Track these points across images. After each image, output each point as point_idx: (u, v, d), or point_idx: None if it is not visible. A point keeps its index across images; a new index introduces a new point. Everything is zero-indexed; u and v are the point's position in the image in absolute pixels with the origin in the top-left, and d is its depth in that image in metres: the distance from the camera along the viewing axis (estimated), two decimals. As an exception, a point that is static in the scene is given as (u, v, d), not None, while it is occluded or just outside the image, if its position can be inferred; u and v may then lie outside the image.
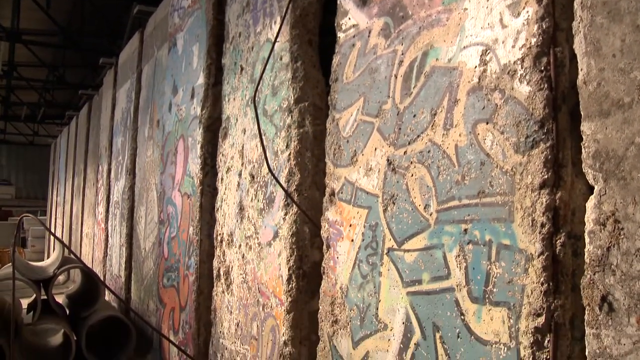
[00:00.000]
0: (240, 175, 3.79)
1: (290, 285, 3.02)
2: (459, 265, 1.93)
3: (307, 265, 3.03)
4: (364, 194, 2.50)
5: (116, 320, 5.94)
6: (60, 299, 6.91)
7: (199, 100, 4.60)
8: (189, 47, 5.00)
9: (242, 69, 3.92)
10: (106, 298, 7.46)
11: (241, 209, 3.72)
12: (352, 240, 2.54)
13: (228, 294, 3.84)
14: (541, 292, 1.63)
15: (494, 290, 1.79)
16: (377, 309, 2.35)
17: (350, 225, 2.56)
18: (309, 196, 3.06)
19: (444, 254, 2.00)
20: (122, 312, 6.44)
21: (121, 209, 7.42)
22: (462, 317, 1.89)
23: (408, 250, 2.18)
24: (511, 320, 1.72)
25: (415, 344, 2.11)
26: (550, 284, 1.61)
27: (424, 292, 2.09)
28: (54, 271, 6.25)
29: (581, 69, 1.59)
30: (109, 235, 8.17)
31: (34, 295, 6.10)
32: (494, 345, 1.77)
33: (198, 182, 4.47)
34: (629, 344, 1.40)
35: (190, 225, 4.60)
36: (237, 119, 3.93)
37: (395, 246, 2.26)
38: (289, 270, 3.03)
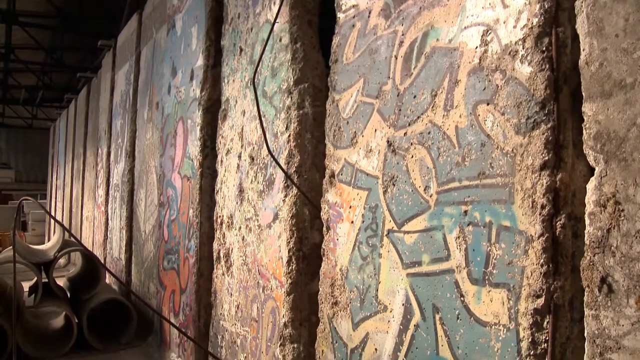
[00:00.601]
0: (239, 157, 3.78)
1: (290, 267, 3.02)
2: (459, 247, 1.93)
3: (307, 247, 3.03)
4: (364, 175, 2.49)
5: (117, 303, 5.97)
6: (61, 282, 6.94)
7: (198, 82, 4.58)
8: (188, 29, 4.96)
9: (241, 50, 3.89)
10: (107, 281, 7.49)
11: (241, 191, 3.72)
12: (352, 222, 2.54)
13: (228, 276, 3.85)
14: (541, 273, 1.63)
15: (494, 271, 1.79)
16: (377, 290, 2.35)
17: (350, 207, 2.56)
18: (309, 178, 3.05)
19: (444, 235, 2.00)
20: (123, 295, 6.47)
21: (121, 191, 7.42)
22: (462, 298, 1.90)
23: (408, 232, 2.18)
24: (511, 302, 1.72)
25: (415, 325, 2.12)
26: (550, 265, 1.61)
27: (423, 273, 2.09)
28: (54, 254, 6.27)
29: (583, 49, 1.57)
30: (109, 218, 8.18)
31: (35, 278, 6.12)
32: (493, 327, 1.78)
33: (198, 164, 4.47)
34: (628, 324, 1.40)
35: (190, 208, 4.60)
36: (236, 101, 3.91)
37: (395, 228, 2.25)
38: (289, 252, 3.04)
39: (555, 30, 1.67)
